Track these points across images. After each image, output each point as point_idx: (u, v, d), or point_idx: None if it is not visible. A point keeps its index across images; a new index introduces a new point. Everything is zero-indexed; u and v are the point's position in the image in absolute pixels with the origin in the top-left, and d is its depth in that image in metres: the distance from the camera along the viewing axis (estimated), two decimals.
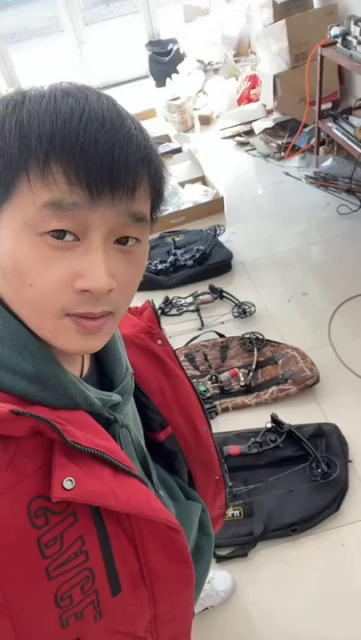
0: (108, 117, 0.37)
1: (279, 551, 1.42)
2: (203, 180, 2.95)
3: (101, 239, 0.39)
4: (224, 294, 2.22)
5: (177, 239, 2.55)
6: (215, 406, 1.76)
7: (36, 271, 0.38)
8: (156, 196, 0.44)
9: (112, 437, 0.47)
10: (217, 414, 1.76)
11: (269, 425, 1.64)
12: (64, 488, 0.37)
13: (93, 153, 0.36)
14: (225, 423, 1.75)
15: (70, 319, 0.40)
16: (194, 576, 0.52)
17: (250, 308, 2.13)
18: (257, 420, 1.71)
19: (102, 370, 0.54)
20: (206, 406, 1.75)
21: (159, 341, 0.65)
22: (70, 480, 0.38)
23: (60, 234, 0.38)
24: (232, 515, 1.48)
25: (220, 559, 1.42)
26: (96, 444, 0.42)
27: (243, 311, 2.12)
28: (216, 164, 3.20)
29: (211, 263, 2.37)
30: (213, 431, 1.66)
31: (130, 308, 0.69)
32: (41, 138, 0.36)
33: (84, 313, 0.40)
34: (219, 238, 2.51)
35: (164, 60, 4.29)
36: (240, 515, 1.48)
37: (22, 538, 0.37)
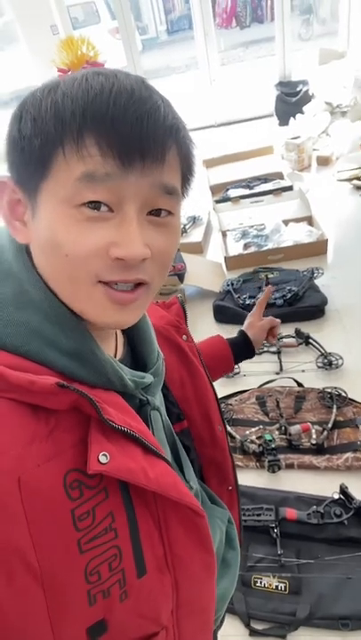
0: (136, 90, 0.40)
1: None
2: (309, 219, 2.84)
3: (135, 210, 0.41)
4: (310, 341, 2.07)
5: (271, 276, 2.46)
6: (279, 460, 1.61)
7: (72, 241, 0.40)
8: (186, 170, 0.46)
9: (143, 420, 0.49)
10: (280, 469, 1.61)
11: (336, 496, 1.45)
12: (99, 462, 0.39)
13: (123, 123, 0.38)
14: (287, 481, 1.59)
15: (103, 288, 0.42)
16: (216, 565, 0.52)
17: (337, 360, 1.95)
18: (323, 486, 1.53)
19: (135, 356, 0.56)
20: (269, 458, 1.61)
21: (184, 336, 0.67)
22: (105, 455, 0.39)
23: (95, 205, 0.40)
24: (276, 587, 1.32)
25: (253, 633, 1.27)
26: (128, 423, 0.43)
27: (328, 362, 1.95)
28: (327, 205, 3.07)
29: (302, 306, 2.23)
30: (273, 487, 1.55)
31: (157, 302, 0.72)
32: (74, 113, 0.38)
33: (118, 280, 0.42)
34: (316, 282, 2.37)
35: (291, 101, 4.31)
36: (285, 589, 1.31)
37: (58, 507, 0.38)
